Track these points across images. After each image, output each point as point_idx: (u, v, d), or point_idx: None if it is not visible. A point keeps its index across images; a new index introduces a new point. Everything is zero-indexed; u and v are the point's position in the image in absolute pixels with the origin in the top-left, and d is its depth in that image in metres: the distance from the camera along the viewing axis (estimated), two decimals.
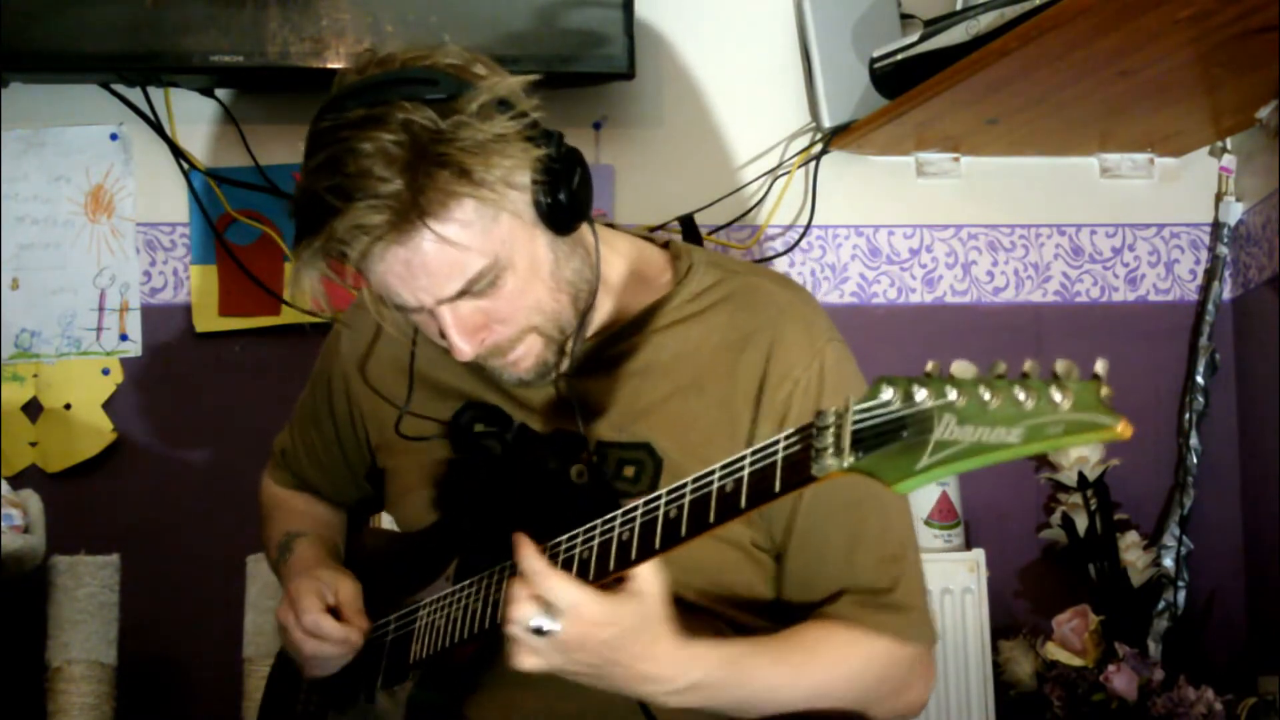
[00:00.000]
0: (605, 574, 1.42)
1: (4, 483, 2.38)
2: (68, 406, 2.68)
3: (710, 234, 2.75)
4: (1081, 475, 2.68)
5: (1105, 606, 2.60)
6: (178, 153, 2.70)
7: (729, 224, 2.78)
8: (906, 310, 2.81)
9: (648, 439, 1.62)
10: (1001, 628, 2.62)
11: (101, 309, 2.70)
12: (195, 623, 2.60)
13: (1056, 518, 2.72)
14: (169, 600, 2.61)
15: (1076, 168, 2.86)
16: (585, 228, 1.61)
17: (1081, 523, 2.68)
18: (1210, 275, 2.84)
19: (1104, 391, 1.07)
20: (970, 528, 2.69)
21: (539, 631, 1.40)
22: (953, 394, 1.13)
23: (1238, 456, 2.82)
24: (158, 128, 2.69)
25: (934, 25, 2.50)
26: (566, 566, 1.45)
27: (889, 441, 1.17)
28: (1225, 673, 2.65)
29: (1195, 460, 2.79)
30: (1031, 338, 2.82)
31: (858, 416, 1.20)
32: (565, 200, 1.53)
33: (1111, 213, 2.86)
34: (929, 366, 1.16)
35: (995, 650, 2.58)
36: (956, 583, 2.54)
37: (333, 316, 1.89)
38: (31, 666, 2.33)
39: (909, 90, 2.50)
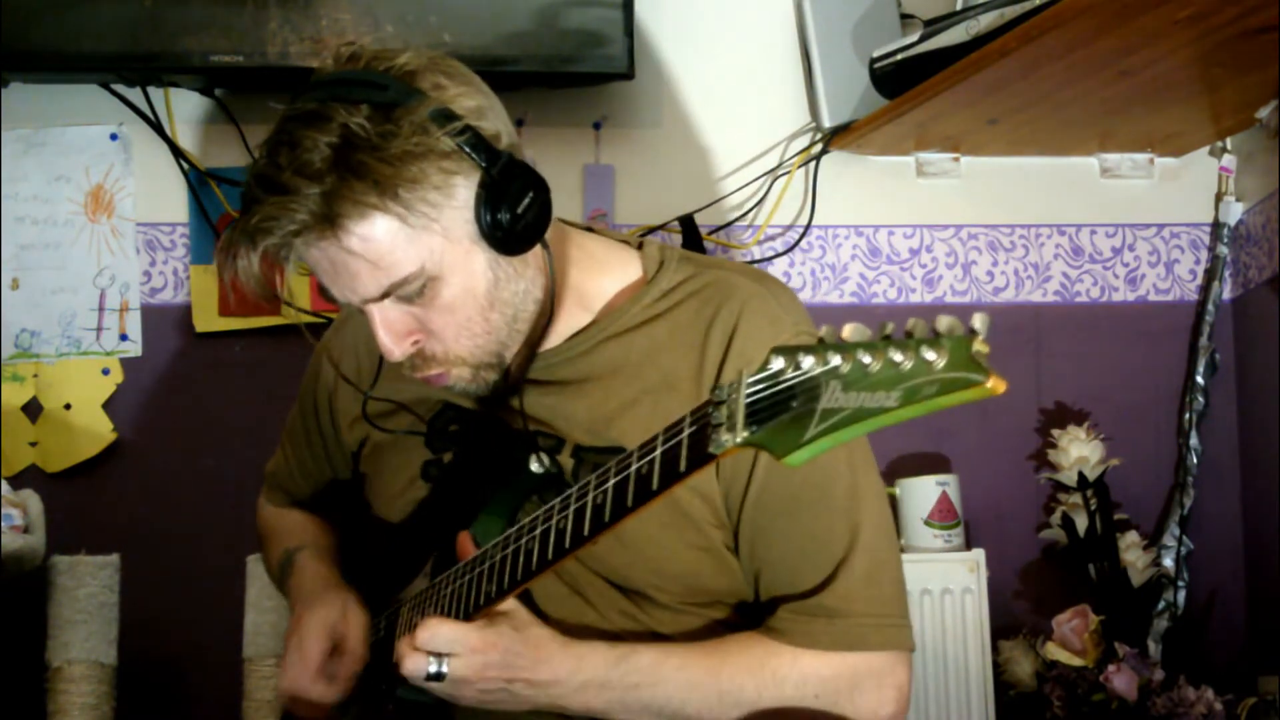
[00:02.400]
0: (563, 554, 1.43)
1: (4, 483, 2.38)
2: (68, 406, 2.68)
3: (710, 234, 2.75)
4: (1081, 475, 2.67)
5: (1105, 606, 2.60)
6: (177, 153, 2.70)
7: (729, 224, 2.77)
8: (906, 310, 2.81)
9: (620, 443, 1.60)
10: (1001, 628, 2.62)
11: (101, 309, 2.70)
12: (195, 623, 2.60)
13: (1056, 518, 2.72)
14: (169, 600, 2.60)
15: (1076, 168, 2.86)
16: (540, 249, 1.57)
17: (1081, 523, 2.68)
18: (1210, 275, 2.84)
19: (976, 347, 1.04)
20: (970, 528, 2.69)
21: (436, 678, 1.48)
22: (836, 359, 1.10)
23: (1238, 456, 2.82)
24: (157, 128, 2.69)
25: (934, 25, 2.50)
26: (514, 555, 1.47)
27: (780, 412, 1.14)
28: (1225, 673, 2.65)
29: (1195, 460, 2.79)
30: (1031, 338, 2.82)
31: (750, 389, 1.18)
32: (506, 221, 1.50)
33: (1111, 213, 2.86)
34: (822, 331, 1.13)
35: (995, 650, 2.58)
36: (956, 583, 2.54)
37: (321, 315, 1.88)
38: (31, 666, 2.32)
39: (909, 90, 2.50)
